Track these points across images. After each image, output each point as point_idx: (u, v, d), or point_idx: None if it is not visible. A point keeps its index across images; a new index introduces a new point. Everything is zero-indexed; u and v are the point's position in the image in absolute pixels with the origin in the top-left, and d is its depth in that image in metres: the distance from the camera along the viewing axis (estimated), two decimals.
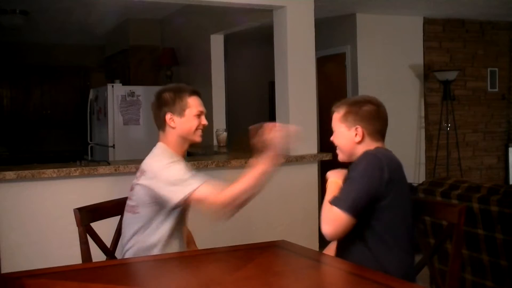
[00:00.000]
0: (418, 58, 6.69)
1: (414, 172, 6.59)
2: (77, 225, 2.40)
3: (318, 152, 4.22)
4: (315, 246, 4.15)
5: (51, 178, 3.43)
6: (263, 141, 2.28)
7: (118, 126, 6.06)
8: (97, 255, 2.46)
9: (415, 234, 2.34)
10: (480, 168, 7.12)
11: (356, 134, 2.25)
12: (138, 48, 7.27)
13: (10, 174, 3.32)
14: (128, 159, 4.31)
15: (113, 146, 6.03)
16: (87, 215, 2.44)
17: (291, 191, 4.11)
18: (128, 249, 2.45)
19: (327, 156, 4.24)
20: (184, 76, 6.71)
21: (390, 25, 6.50)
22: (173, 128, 2.47)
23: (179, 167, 2.37)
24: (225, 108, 6.28)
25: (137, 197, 2.41)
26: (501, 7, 6.16)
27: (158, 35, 7.43)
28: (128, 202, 2.48)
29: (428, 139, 6.75)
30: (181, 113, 2.46)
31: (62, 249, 3.39)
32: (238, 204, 2.30)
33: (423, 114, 6.74)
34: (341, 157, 2.33)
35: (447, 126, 6.57)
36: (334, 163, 2.41)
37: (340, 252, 2.25)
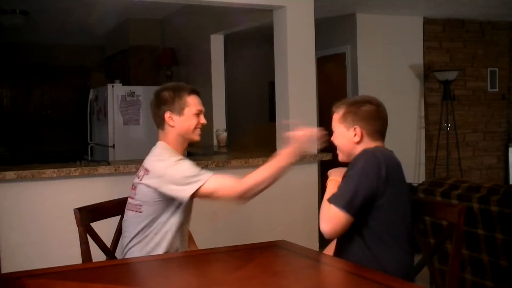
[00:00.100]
0: (418, 58, 6.70)
1: (414, 172, 6.59)
2: (77, 225, 2.40)
3: (318, 152, 4.22)
4: (315, 246, 4.15)
5: (51, 178, 3.43)
6: (289, 137, 2.34)
7: (118, 126, 6.06)
8: (97, 255, 2.46)
9: (415, 234, 2.35)
10: (480, 168, 7.12)
11: (355, 134, 2.25)
12: (138, 48, 7.26)
13: (10, 174, 3.32)
14: (128, 159, 4.30)
15: (113, 146, 6.03)
16: (87, 215, 2.45)
17: (291, 191, 4.10)
18: (131, 247, 2.45)
19: (327, 156, 4.24)
20: (184, 76, 6.71)
21: (390, 25, 6.50)
22: (172, 126, 2.48)
23: (184, 164, 2.39)
24: (225, 108, 6.29)
25: (141, 196, 2.42)
26: (501, 7, 6.16)
27: (158, 35, 7.43)
28: (130, 201, 2.48)
29: (428, 139, 6.75)
30: (180, 112, 2.47)
31: (62, 249, 3.38)
32: (254, 193, 2.39)
33: (423, 114, 6.74)
34: (341, 157, 2.34)
35: (447, 126, 6.58)
36: (334, 163, 2.41)
37: (339, 250, 2.25)
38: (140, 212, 2.42)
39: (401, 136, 6.25)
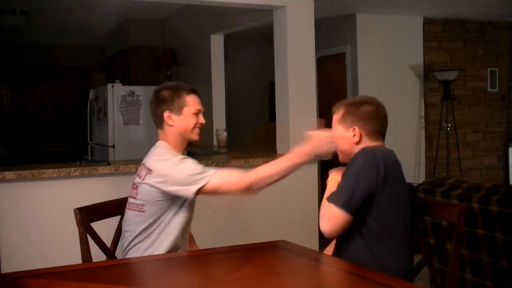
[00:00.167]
0: (418, 58, 6.70)
1: (414, 172, 6.59)
2: (77, 225, 2.40)
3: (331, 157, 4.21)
4: (315, 246, 4.15)
5: (51, 178, 3.43)
6: (309, 135, 2.36)
7: (118, 126, 6.06)
8: (97, 255, 2.46)
9: (415, 234, 2.35)
10: (480, 168, 7.12)
11: (354, 135, 2.26)
12: (138, 48, 7.27)
13: (10, 174, 3.32)
14: (128, 159, 4.31)
15: (113, 146, 6.03)
16: (87, 215, 2.45)
17: (291, 191, 4.10)
18: (133, 246, 2.45)
19: (327, 156, 4.24)
20: (184, 76, 6.71)
21: (390, 25, 6.50)
22: (171, 126, 2.48)
23: (188, 163, 2.40)
24: (225, 108, 6.29)
25: (144, 196, 2.41)
26: (501, 7, 6.16)
27: (158, 35, 7.43)
28: (132, 201, 2.47)
29: (428, 139, 6.75)
30: (179, 111, 2.48)
31: (62, 249, 3.39)
32: (261, 186, 2.41)
33: (423, 114, 6.74)
34: (341, 157, 2.34)
35: (447, 126, 6.58)
36: (334, 163, 2.41)
37: (339, 249, 2.25)
38: (143, 211, 2.42)
39: (401, 136, 6.25)
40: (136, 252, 2.44)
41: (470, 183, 3.55)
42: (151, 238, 2.43)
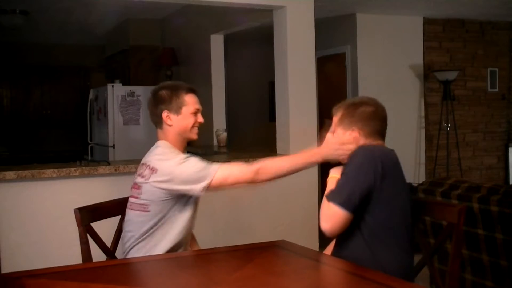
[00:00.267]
0: (418, 58, 6.69)
1: (414, 172, 6.59)
2: (78, 225, 2.40)
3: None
4: (315, 246, 4.15)
5: (51, 178, 3.43)
6: (326, 138, 2.38)
7: (118, 126, 6.06)
8: (97, 255, 2.46)
9: (415, 234, 2.35)
10: (480, 168, 7.12)
11: (353, 138, 2.27)
12: (138, 48, 7.27)
13: (10, 174, 3.32)
14: (128, 159, 4.31)
15: (113, 146, 6.03)
16: (87, 215, 2.44)
17: (291, 191, 4.11)
18: (135, 245, 2.45)
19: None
20: (184, 76, 6.71)
21: (390, 25, 6.50)
22: (170, 126, 2.49)
23: (192, 161, 2.40)
24: (225, 108, 6.29)
25: (148, 196, 2.41)
26: (501, 7, 6.16)
27: (158, 35, 7.43)
28: (134, 201, 2.47)
29: (428, 139, 6.75)
30: (177, 111, 2.48)
31: (62, 249, 3.39)
32: (267, 179, 2.42)
33: (423, 114, 6.74)
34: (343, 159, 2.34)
35: (447, 126, 6.57)
36: (334, 163, 2.42)
37: (338, 249, 2.25)
38: (147, 211, 2.42)
39: (401, 136, 6.24)
40: (139, 251, 2.44)
41: (470, 183, 3.55)
42: (156, 237, 2.43)
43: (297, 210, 4.22)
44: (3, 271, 3.19)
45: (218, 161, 3.88)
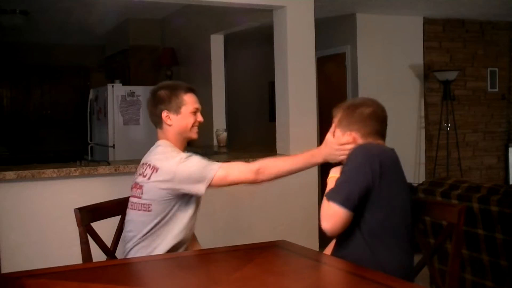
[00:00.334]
0: (418, 58, 6.69)
1: (414, 172, 6.59)
2: (78, 225, 2.40)
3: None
4: (315, 246, 4.15)
5: (51, 178, 3.43)
6: (328, 138, 2.39)
7: (118, 126, 6.06)
8: (97, 255, 2.46)
9: (415, 234, 2.35)
10: (480, 168, 7.12)
11: (352, 139, 2.29)
12: (138, 48, 7.27)
13: (10, 174, 3.32)
14: (128, 159, 4.31)
15: (113, 146, 6.04)
16: (88, 215, 2.44)
17: (291, 191, 4.11)
18: (137, 245, 2.44)
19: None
20: (184, 76, 6.71)
21: (390, 25, 6.50)
22: (170, 125, 2.49)
23: (194, 160, 2.41)
24: (225, 108, 6.29)
25: (150, 195, 2.41)
26: (501, 7, 6.16)
27: (158, 35, 7.43)
28: (135, 201, 2.46)
29: (428, 139, 6.75)
30: (177, 110, 2.49)
31: (62, 249, 3.39)
32: (267, 179, 2.44)
33: (423, 114, 6.74)
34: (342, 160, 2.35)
35: (447, 126, 6.57)
36: (334, 163, 2.42)
37: (339, 248, 2.25)
38: (149, 211, 2.42)
39: (401, 136, 6.25)
40: (141, 251, 2.44)
41: (470, 183, 3.55)
42: (158, 236, 2.43)
43: (297, 210, 4.22)
44: (3, 271, 3.19)
45: (218, 161, 3.89)
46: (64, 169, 3.45)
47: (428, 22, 6.72)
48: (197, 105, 2.55)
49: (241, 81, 7.73)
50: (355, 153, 2.18)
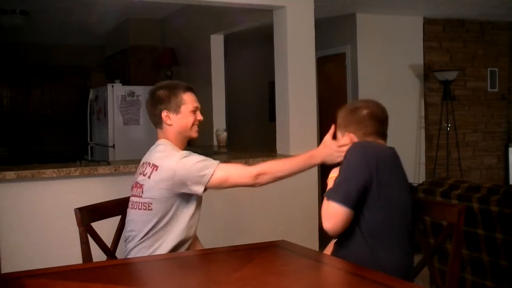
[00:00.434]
0: (418, 58, 6.69)
1: (414, 172, 6.59)
2: (78, 225, 2.40)
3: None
4: (315, 246, 4.15)
5: (51, 178, 3.43)
6: (324, 141, 2.42)
7: (118, 126, 6.06)
8: (98, 255, 2.46)
9: (415, 234, 2.35)
10: (480, 168, 7.12)
11: (349, 140, 2.31)
12: (138, 48, 7.27)
13: (10, 174, 3.32)
14: (128, 159, 4.31)
15: (113, 146, 6.03)
16: (88, 215, 2.44)
17: (291, 191, 4.11)
18: (139, 245, 2.44)
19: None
20: (184, 76, 6.71)
21: (390, 25, 6.50)
22: (170, 125, 2.50)
23: (193, 158, 2.41)
24: (225, 108, 6.29)
25: (151, 194, 2.41)
26: (501, 7, 6.15)
27: (158, 35, 7.43)
28: (136, 200, 2.46)
29: (428, 139, 6.75)
30: (176, 110, 2.49)
31: (62, 249, 3.39)
32: (267, 181, 2.44)
33: (423, 114, 6.74)
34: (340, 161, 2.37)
35: (447, 126, 6.57)
36: (335, 164, 2.43)
37: (339, 248, 2.25)
38: (150, 209, 2.42)
39: (401, 136, 6.24)
40: (143, 251, 2.44)
41: (470, 183, 3.55)
42: (159, 236, 2.43)
43: (297, 210, 4.22)
44: (3, 271, 3.19)
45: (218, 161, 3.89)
46: (64, 169, 3.45)
47: (428, 22, 6.72)
48: (197, 104, 2.55)
49: (241, 81, 7.72)
50: (351, 151, 2.20)
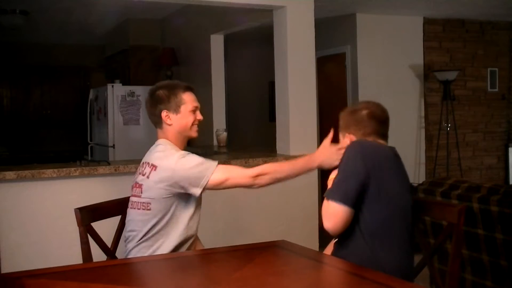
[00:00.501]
0: (418, 58, 6.69)
1: (414, 172, 6.59)
2: (78, 225, 2.40)
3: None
4: (315, 246, 4.15)
5: (51, 178, 3.43)
6: (323, 145, 2.44)
7: (118, 126, 6.06)
8: (98, 255, 2.46)
9: (415, 234, 2.35)
10: (480, 168, 7.12)
11: (349, 141, 2.33)
12: (138, 48, 7.27)
13: (10, 174, 3.32)
14: (128, 159, 4.31)
15: (113, 146, 6.03)
16: (88, 215, 2.45)
17: (291, 191, 4.11)
18: (139, 245, 2.44)
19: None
20: (184, 76, 6.71)
21: (390, 25, 6.50)
22: (170, 125, 2.50)
23: (192, 158, 2.41)
24: (225, 108, 6.29)
25: (149, 193, 2.41)
26: (501, 7, 6.15)
27: (158, 35, 7.43)
28: (135, 200, 2.47)
29: (428, 139, 6.75)
30: (176, 109, 2.49)
31: (62, 249, 3.39)
32: (266, 183, 2.44)
33: (423, 114, 6.74)
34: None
35: (447, 126, 6.57)
36: (333, 168, 2.44)
37: (339, 248, 2.25)
38: (149, 209, 2.42)
39: (401, 136, 6.23)
40: (143, 251, 2.44)
41: (470, 183, 3.55)
42: (159, 237, 2.43)
43: (297, 210, 4.22)
44: (3, 271, 3.19)
45: (218, 161, 3.89)
46: (64, 169, 3.45)
47: (428, 22, 6.72)
48: (196, 104, 2.55)
49: (241, 81, 7.72)
50: (348, 150, 2.22)
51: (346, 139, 2.34)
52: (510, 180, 7.21)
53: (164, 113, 2.48)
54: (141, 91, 6.08)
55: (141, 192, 2.44)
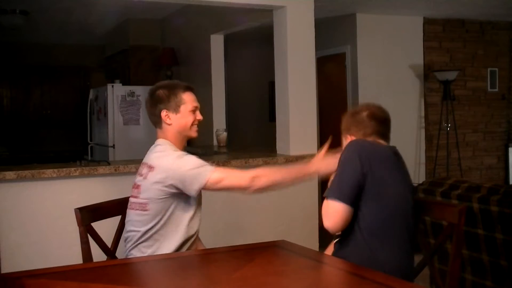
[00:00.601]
0: (418, 58, 6.69)
1: (414, 172, 6.59)
2: (78, 225, 2.40)
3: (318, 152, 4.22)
4: (315, 246, 4.15)
5: (51, 178, 3.43)
6: (318, 156, 2.46)
7: (118, 126, 6.06)
8: (98, 255, 2.46)
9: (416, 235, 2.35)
10: (480, 168, 7.11)
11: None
12: (138, 48, 7.27)
13: (10, 174, 3.32)
14: (128, 159, 4.31)
15: (113, 146, 6.04)
16: (88, 215, 2.45)
17: (291, 191, 4.10)
18: (138, 245, 2.44)
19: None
20: (184, 76, 6.71)
21: (390, 25, 6.50)
22: (169, 125, 2.50)
23: (189, 159, 2.41)
24: (225, 108, 6.29)
25: (147, 194, 2.41)
26: (501, 7, 6.15)
27: (158, 35, 7.43)
28: (134, 200, 2.47)
29: (428, 139, 6.75)
30: (176, 109, 2.49)
31: (62, 249, 3.39)
32: (265, 185, 2.43)
33: (423, 114, 6.74)
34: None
35: (447, 126, 6.57)
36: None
37: (338, 248, 2.26)
38: (146, 210, 2.42)
39: (401, 136, 6.22)
40: (142, 252, 2.44)
41: (470, 183, 3.55)
42: (159, 236, 2.43)
43: (297, 210, 4.22)
44: (3, 271, 3.19)
45: (218, 161, 3.89)
46: (64, 169, 3.45)
47: (428, 22, 6.72)
48: (196, 103, 2.55)
49: (241, 81, 7.72)
50: (345, 149, 2.24)
51: (347, 141, 2.35)
52: (510, 180, 7.21)
53: (164, 113, 2.48)
54: (141, 91, 6.09)
55: (139, 193, 2.44)
